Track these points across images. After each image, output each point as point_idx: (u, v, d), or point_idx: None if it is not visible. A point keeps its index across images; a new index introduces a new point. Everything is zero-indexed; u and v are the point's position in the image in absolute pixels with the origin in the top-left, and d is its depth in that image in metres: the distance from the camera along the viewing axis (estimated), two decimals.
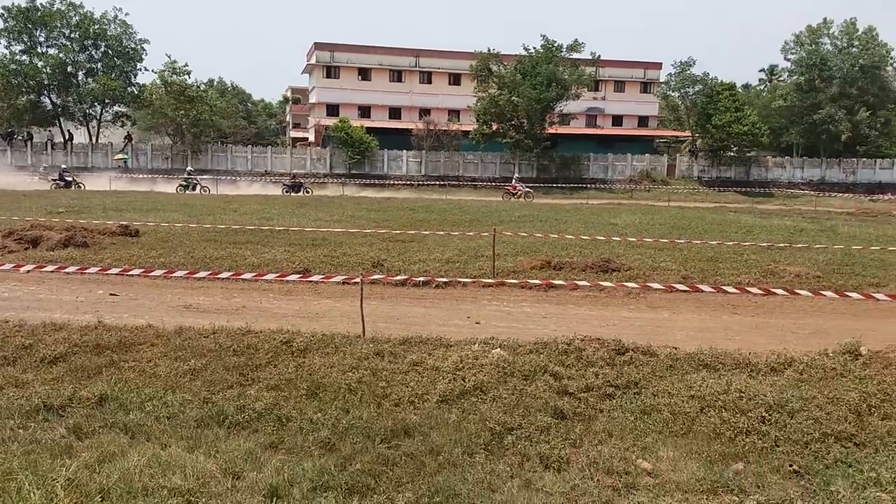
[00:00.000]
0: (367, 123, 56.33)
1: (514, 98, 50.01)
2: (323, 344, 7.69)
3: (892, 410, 6.09)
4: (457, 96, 61.88)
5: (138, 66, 54.01)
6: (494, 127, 52.01)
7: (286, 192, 40.13)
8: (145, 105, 54.76)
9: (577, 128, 61.12)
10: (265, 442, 5.33)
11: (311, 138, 65.93)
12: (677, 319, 10.23)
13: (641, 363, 7.21)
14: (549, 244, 16.37)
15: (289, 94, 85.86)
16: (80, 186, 38.98)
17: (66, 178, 39.47)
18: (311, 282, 11.38)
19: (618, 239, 17.21)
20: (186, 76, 52.68)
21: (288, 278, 10.91)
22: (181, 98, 51.27)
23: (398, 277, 11.52)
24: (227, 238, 16.57)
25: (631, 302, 11.32)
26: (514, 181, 43.87)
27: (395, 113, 64.24)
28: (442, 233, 17.64)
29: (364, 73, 63.73)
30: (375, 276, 10.84)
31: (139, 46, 53.66)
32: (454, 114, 61.39)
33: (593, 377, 6.74)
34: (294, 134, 77.97)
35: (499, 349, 7.45)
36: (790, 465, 5.13)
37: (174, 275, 10.87)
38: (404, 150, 53.84)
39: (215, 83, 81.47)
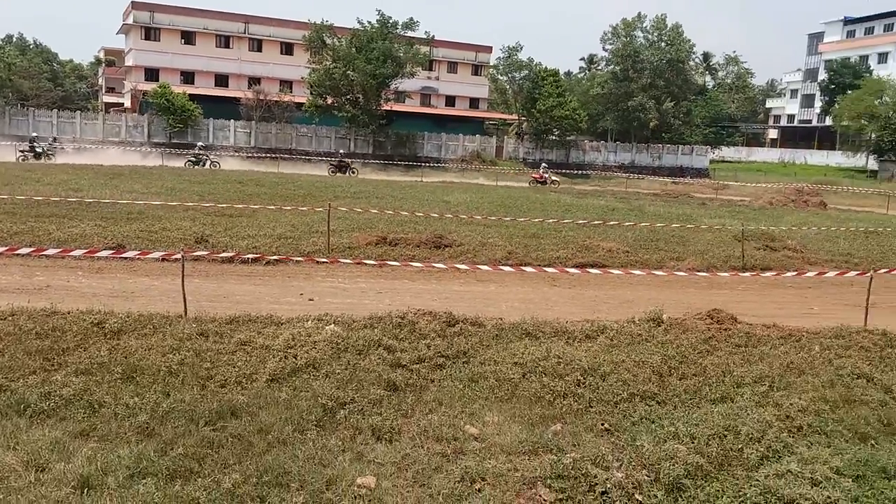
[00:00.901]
0: (191, 90, 52.94)
1: (349, 72, 49.34)
2: (140, 325, 7.20)
3: (688, 371, 6.80)
4: (289, 66, 59.85)
5: None
6: (329, 100, 51.02)
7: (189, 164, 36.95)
8: None
9: (413, 106, 61.57)
10: (74, 430, 4.91)
11: (128, 104, 60.87)
12: (503, 292, 10.71)
13: (470, 334, 7.48)
14: (384, 220, 16.43)
15: (102, 55, 78.54)
16: None
17: None
18: (125, 258, 10.58)
19: (450, 216, 17.65)
20: None
21: (99, 254, 10.07)
22: None
23: (225, 254, 11.02)
24: (28, 211, 14.92)
25: (461, 276, 11.67)
26: (541, 169, 42.04)
27: (221, 80, 60.90)
28: (273, 207, 17.09)
29: (188, 37, 59.69)
30: (199, 253, 10.29)
31: None
32: (286, 84, 59.38)
33: (425, 349, 6.89)
34: (108, 99, 71.54)
35: (333, 325, 7.38)
36: (602, 424, 5.57)
37: None
38: (232, 120, 51.28)
39: (14, 39, 72.59)
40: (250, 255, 11.04)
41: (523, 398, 5.99)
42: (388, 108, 53.60)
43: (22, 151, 35.73)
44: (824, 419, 5.76)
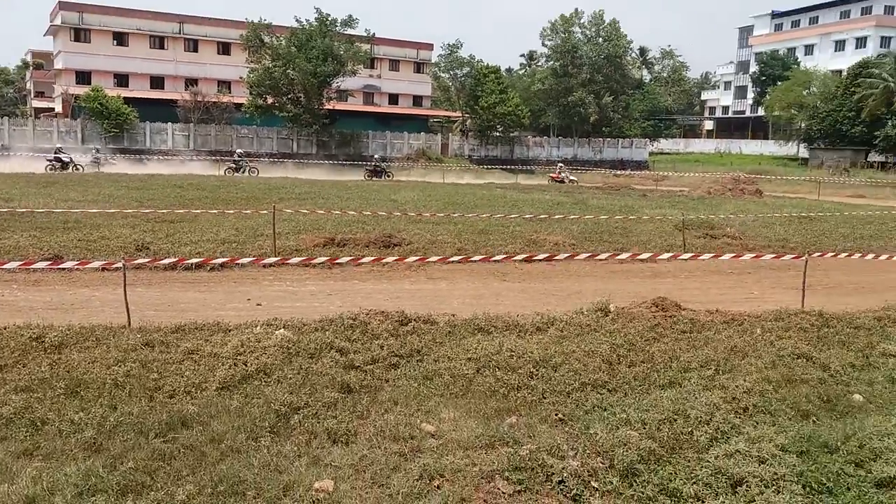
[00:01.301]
0: (126, 93, 51.34)
1: (289, 71, 48.64)
2: (81, 337, 6.97)
3: (637, 359, 6.95)
4: (227, 67, 58.66)
5: None
6: (269, 100, 50.21)
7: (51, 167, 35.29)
8: None
9: (356, 104, 61.13)
10: (17, 450, 4.73)
11: (59, 109, 58.67)
12: (454, 289, 10.74)
13: (423, 332, 7.48)
14: (331, 221, 16.27)
15: (29, 58, 75.45)
16: None
17: None
18: (63, 269, 10.21)
19: (398, 214, 17.60)
20: None
21: (35, 266, 9.69)
22: None
23: (167, 261, 10.74)
24: None
25: (412, 274, 11.66)
26: (557, 168, 40.39)
27: (157, 82, 59.28)
28: (215, 211, 16.73)
29: (120, 38, 57.87)
30: (140, 261, 10.01)
31: None
32: (225, 85, 58.17)
33: (378, 349, 6.87)
34: (37, 104, 68.77)
35: (283, 330, 7.28)
36: (556, 414, 5.65)
37: None
38: (169, 123, 49.95)
39: None
40: (194, 261, 10.79)
41: (478, 393, 6.03)
42: (331, 108, 53.08)
43: (230, 168, 34.89)
44: (768, 399, 5.97)
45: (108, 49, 57.15)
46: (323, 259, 11.17)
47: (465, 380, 6.26)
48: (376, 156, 45.24)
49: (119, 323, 7.52)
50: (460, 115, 61.86)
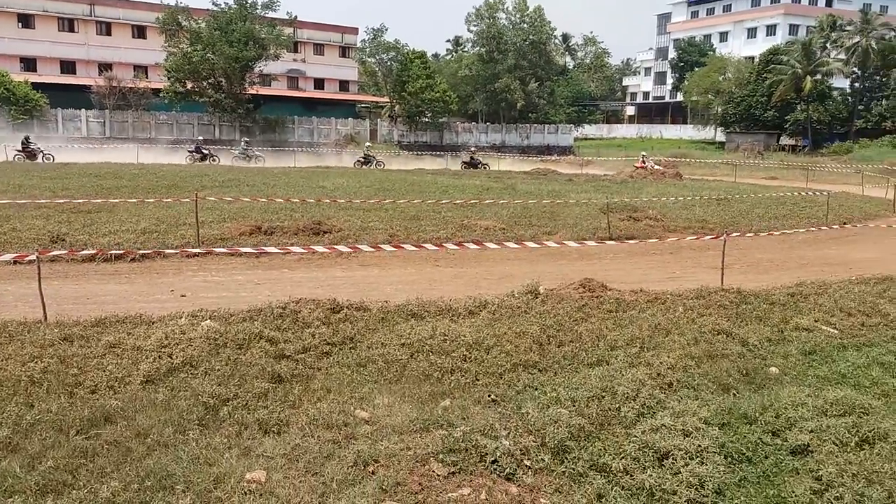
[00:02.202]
0: (34, 78, 48.66)
1: (209, 56, 47.11)
2: None
3: (566, 338, 7.10)
4: (143, 51, 56.38)
5: None
6: (189, 85, 48.55)
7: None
8: None
9: (280, 89, 59.87)
10: None
11: None
12: (387, 275, 10.70)
13: (356, 319, 7.43)
14: (258, 209, 15.91)
15: None
16: None
17: None
18: None
19: (328, 201, 17.36)
20: None
21: None
22: None
23: (85, 252, 10.27)
24: None
25: (343, 262, 11.54)
26: (640, 158, 36.46)
27: (68, 67, 56.43)
28: (135, 200, 16.08)
29: (25, 20, 54.69)
30: (56, 253, 9.52)
31: None
32: (141, 70, 55.89)
33: (310, 338, 6.77)
34: None
35: (209, 321, 7.09)
36: (489, 396, 5.72)
37: None
38: (83, 110, 47.67)
39: None
40: (113, 252, 10.34)
41: (412, 378, 6.04)
42: (255, 93, 51.79)
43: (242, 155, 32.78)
44: (691, 374, 6.21)
45: (13, 31, 54.02)
46: (250, 248, 10.92)
47: (398, 365, 6.25)
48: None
49: (34, 318, 7.16)
50: (388, 100, 61.46)
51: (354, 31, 68.12)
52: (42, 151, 33.75)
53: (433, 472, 4.40)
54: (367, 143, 42.86)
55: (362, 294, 8.56)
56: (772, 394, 5.78)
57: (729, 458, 4.82)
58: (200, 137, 41.65)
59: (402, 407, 5.37)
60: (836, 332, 7.69)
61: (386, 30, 58.70)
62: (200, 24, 48.74)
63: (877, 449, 4.81)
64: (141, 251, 10.56)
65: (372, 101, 65.21)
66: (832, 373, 6.54)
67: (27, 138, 34.56)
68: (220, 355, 6.25)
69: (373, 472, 4.37)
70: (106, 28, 57.99)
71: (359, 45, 64.67)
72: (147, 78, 53.31)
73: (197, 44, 47.65)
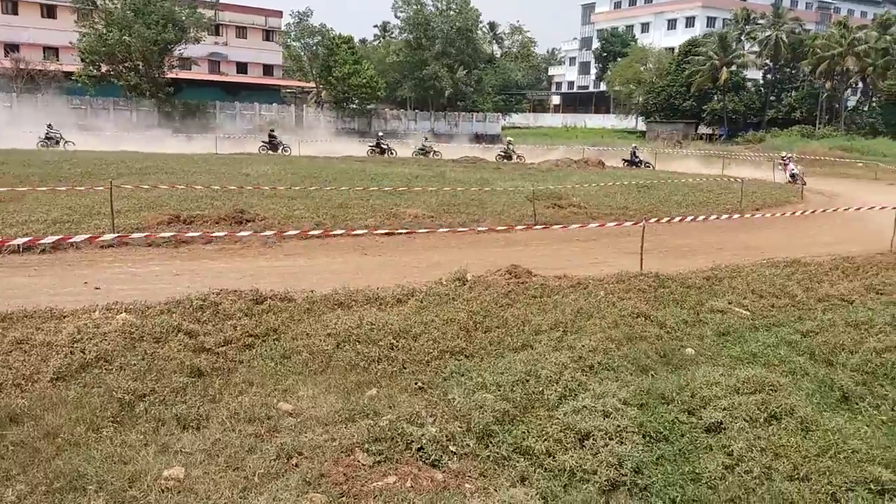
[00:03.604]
0: None
1: (126, 37, 45.10)
2: None
3: (492, 324, 7.17)
4: (54, 31, 53.43)
5: None
6: (104, 69, 46.40)
7: None
8: None
9: (201, 73, 57.97)
10: None
11: None
12: (313, 264, 10.54)
13: (280, 310, 7.28)
14: (176, 197, 15.36)
15: None
16: None
17: None
18: None
19: (251, 189, 16.94)
20: None
21: None
22: None
23: None
24: None
25: (267, 251, 11.30)
26: (785, 159, 29.61)
27: None
28: (45, 189, 15.28)
29: None
30: None
31: None
32: (52, 51, 53.07)
33: (231, 330, 6.61)
34: None
35: (124, 314, 6.82)
36: (416, 383, 5.73)
37: None
38: None
39: None
40: (19, 241, 9.78)
41: (338, 368, 5.98)
42: (174, 76, 49.97)
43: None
44: (611, 356, 6.38)
45: None
46: (168, 236, 10.55)
47: (324, 356, 6.18)
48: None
49: None
50: (314, 85, 60.42)
51: (279, 14, 66.54)
52: None
53: (358, 461, 4.38)
54: (380, 133, 41.55)
55: (287, 284, 8.40)
56: (688, 374, 6.00)
57: (647, 438, 4.98)
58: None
59: (327, 398, 5.31)
60: (748, 313, 8.05)
61: (311, 13, 57.63)
62: (116, 4, 46.59)
63: (783, 424, 5.07)
64: (49, 240, 10.00)
65: (298, 87, 63.97)
66: (744, 352, 6.84)
67: None
68: (137, 350, 6.03)
69: (296, 465, 4.31)
70: (12, 7, 54.69)
71: (283, 28, 63.16)
72: (58, 60, 50.62)
73: (112, 25, 45.54)
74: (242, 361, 6.05)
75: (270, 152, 35.99)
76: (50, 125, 34.02)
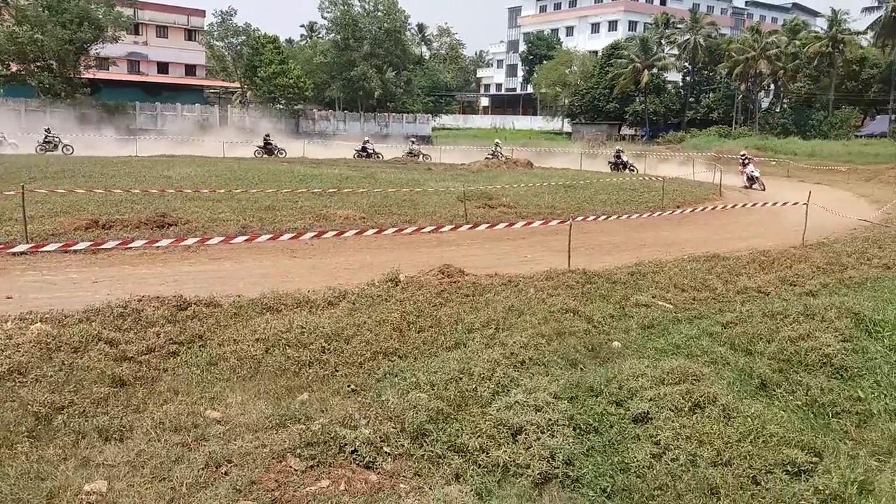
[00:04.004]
0: None
1: (38, 36, 42.97)
2: None
3: (425, 324, 7.18)
4: None
5: None
6: (14, 68, 44.08)
7: None
8: None
9: (119, 73, 55.89)
10: None
11: None
12: (239, 268, 10.30)
13: (205, 315, 7.08)
14: (94, 201, 14.74)
15: None
16: None
17: None
18: None
19: (173, 192, 16.42)
20: None
21: None
22: None
23: None
24: None
25: (191, 256, 10.98)
26: (743, 159, 27.14)
27: None
28: None
29: None
30: None
31: None
32: None
33: (154, 337, 6.39)
34: None
35: (39, 323, 6.49)
36: (348, 386, 5.67)
37: None
38: None
39: None
40: None
41: (268, 373, 5.86)
42: (91, 77, 47.97)
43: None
44: (542, 352, 6.48)
45: None
46: (85, 243, 10.10)
47: (253, 361, 6.05)
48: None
49: None
50: (239, 86, 59.11)
51: (201, 13, 64.87)
52: None
53: (290, 467, 4.30)
54: (366, 138, 40.33)
55: (212, 289, 8.17)
56: (615, 366, 6.16)
57: (577, 430, 5.08)
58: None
59: (256, 404, 5.20)
60: (671, 306, 8.33)
61: (235, 13, 56.43)
62: (28, 0, 44.36)
63: (707, 412, 5.26)
64: None
65: (221, 87, 62.44)
66: (668, 344, 7.08)
67: None
68: (53, 360, 5.75)
69: (226, 473, 4.20)
70: None
71: (206, 28, 61.58)
72: None
73: (24, 23, 43.31)
74: (167, 369, 5.85)
75: (266, 156, 35.87)
76: None
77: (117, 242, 9.86)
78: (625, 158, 34.30)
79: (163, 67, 63.33)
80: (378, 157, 38.18)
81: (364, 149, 38.27)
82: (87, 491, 3.92)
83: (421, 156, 38.16)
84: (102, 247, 9.83)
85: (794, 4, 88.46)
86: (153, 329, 6.57)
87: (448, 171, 30.25)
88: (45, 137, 33.40)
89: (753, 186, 25.77)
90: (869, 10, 54.79)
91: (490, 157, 36.71)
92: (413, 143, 41.01)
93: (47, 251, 9.85)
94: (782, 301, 8.50)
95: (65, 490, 3.93)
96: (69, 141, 34.44)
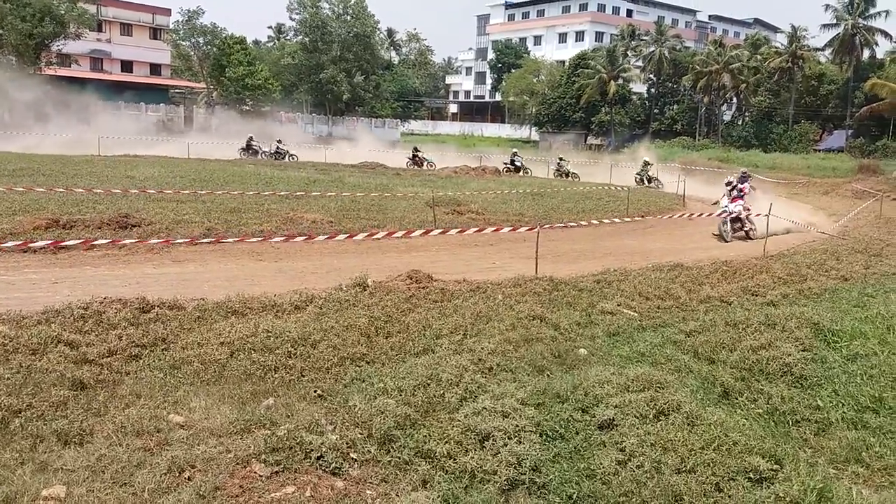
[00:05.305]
0: None
1: None
2: None
3: (393, 329, 7.15)
4: None
5: None
6: None
7: None
8: None
9: (81, 71, 54.67)
10: None
11: None
12: (204, 271, 10.15)
13: (169, 318, 6.96)
14: (55, 200, 14.41)
15: None
16: None
17: None
18: None
19: (136, 192, 16.12)
20: None
21: None
22: None
23: None
24: None
25: (154, 258, 10.78)
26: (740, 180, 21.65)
27: None
28: None
29: None
30: None
31: None
32: None
33: (116, 340, 6.25)
34: None
35: None
36: (315, 391, 5.62)
37: None
38: None
39: None
40: None
41: (232, 378, 5.78)
42: (52, 73, 46.89)
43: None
44: (509, 358, 6.51)
45: None
46: (45, 243, 9.86)
47: (217, 365, 5.96)
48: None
49: None
50: (205, 86, 58.34)
51: (167, 12, 63.86)
52: None
53: (255, 473, 4.24)
54: (416, 146, 39.48)
55: (176, 291, 8.03)
56: (581, 373, 6.21)
57: (544, 436, 5.11)
58: None
59: (221, 409, 5.13)
60: (635, 314, 8.43)
61: (202, 12, 55.71)
62: None
63: (671, 419, 5.33)
64: None
65: (187, 87, 61.55)
66: (633, 352, 7.16)
67: None
68: (11, 362, 5.59)
69: (189, 479, 4.13)
70: None
71: (172, 26, 60.67)
72: None
73: None
74: (129, 373, 5.74)
75: (276, 160, 35.30)
76: None
77: (78, 242, 9.66)
78: (568, 167, 35.31)
79: (127, 66, 62.14)
80: (527, 172, 36.11)
81: (414, 157, 37.27)
82: (45, 496, 3.82)
83: (425, 163, 37.32)
84: (63, 244, 9.62)
85: (756, 20, 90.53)
86: (115, 331, 6.44)
87: (416, 177, 30.24)
88: None
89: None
90: (827, 27, 56.30)
91: (507, 165, 36.31)
92: (416, 149, 40.63)
93: (5, 250, 9.60)
94: (744, 311, 8.66)
95: (22, 495, 3.83)
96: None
